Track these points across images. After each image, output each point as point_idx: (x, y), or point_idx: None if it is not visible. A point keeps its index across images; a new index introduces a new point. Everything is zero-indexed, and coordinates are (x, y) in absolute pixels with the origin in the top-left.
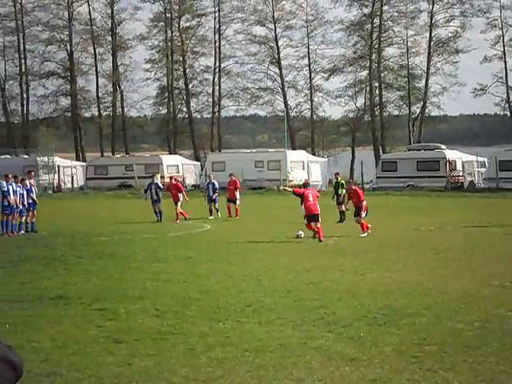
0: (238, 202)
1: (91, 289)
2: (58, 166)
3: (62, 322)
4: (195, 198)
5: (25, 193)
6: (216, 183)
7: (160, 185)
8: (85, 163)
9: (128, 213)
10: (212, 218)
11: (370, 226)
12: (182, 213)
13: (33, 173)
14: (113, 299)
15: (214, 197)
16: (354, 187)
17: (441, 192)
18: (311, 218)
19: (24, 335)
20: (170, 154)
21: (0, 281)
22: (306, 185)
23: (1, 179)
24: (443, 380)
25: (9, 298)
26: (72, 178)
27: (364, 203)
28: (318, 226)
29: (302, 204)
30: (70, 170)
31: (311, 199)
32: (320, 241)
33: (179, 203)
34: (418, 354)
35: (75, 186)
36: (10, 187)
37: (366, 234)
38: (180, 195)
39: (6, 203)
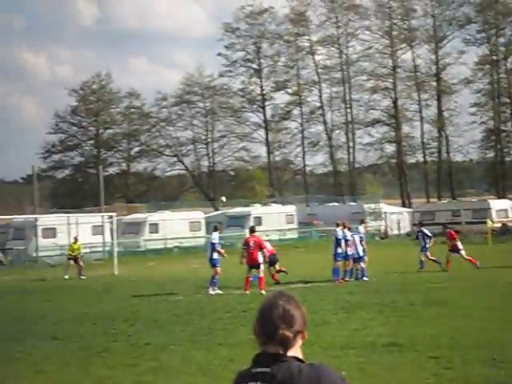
0: None
1: (424, 336)
2: (385, 213)
3: (396, 369)
4: None
5: (358, 240)
6: None
7: (427, 232)
8: (411, 209)
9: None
10: None
11: None
12: (469, 259)
13: (365, 221)
14: (446, 347)
15: None
16: None
17: None
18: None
19: (359, 382)
20: (499, 198)
21: (334, 327)
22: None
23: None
24: None
25: (343, 344)
26: (398, 224)
27: None
28: None
29: None
30: (396, 216)
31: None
32: None
33: (462, 252)
34: None
35: (401, 232)
36: (342, 234)
37: None
38: (458, 244)
39: (340, 250)
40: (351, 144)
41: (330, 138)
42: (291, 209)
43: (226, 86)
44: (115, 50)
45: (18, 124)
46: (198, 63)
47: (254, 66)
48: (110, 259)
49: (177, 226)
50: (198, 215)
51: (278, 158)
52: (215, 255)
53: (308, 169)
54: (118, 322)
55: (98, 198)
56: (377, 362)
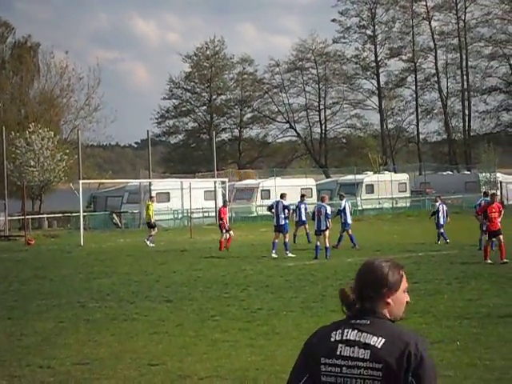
0: None
1: None
2: (501, 182)
3: None
4: None
5: None
6: None
7: None
8: None
9: None
10: None
11: None
12: None
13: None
14: None
15: None
16: None
17: None
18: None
19: (475, 353)
20: None
21: (448, 297)
22: None
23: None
24: None
25: (457, 314)
26: None
27: None
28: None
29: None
30: None
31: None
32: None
33: None
34: None
35: None
36: None
37: None
38: None
39: None
40: (467, 112)
41: (445, 106)
42: (404, 177)
43: (339, 53)
44: (222, 17)
45: (131, 90)
46: (308, 30)
47: (369, 32)
48: None
49: (288, 192)
50: (310, 182)
51: (390, 126)
52: None
53: (421, 137)
54: (231, 286)
55: (211, 163)
56: (492, 333)
